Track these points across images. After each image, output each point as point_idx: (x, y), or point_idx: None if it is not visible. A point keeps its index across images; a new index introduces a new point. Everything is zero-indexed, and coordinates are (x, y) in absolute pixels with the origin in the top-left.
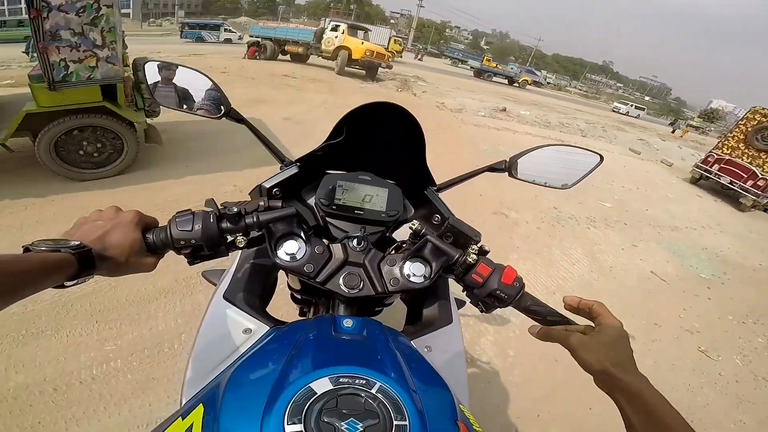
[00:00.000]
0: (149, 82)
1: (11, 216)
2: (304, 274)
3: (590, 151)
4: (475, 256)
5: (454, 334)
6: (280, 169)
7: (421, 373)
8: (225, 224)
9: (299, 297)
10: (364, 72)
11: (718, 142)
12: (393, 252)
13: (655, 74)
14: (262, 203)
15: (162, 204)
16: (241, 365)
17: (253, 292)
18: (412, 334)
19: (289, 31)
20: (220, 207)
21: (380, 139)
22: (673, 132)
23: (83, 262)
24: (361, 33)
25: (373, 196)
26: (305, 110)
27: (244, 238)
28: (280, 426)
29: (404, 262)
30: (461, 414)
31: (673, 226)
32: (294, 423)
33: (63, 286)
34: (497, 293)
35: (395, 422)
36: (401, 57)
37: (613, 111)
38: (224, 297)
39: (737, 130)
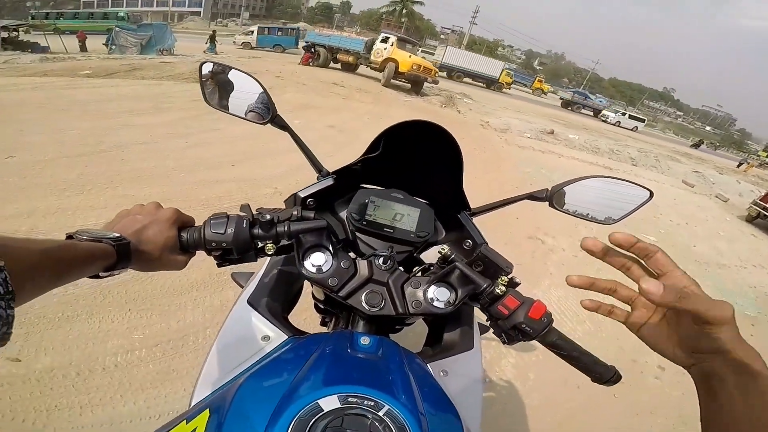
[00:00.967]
0: (202, 82)
1: None
2: (328, 287)
3: (639, 185)
4: (503, 288)
5: (474, 360)
6: (317, 179)
7: (433, 398)
8: (257, 230)
9: (322, 307)
10: (409, 85)
11: None
12: (420, 274)
13: (719, 104)
14: (295, 212)
15: None
16: (253, 374)
17: (277, 299)
18: (430, 356)
19: (342, 39)
20: (254, 213)
21: (418, 158)
22: (739, 166)
23: (122, 254)
24: (409, 46)
25: (404, 215)
26: (349, 119)
27: (274, 246)
28: None
29: (429, 286)
30: None
31: (721, 264)
32: None
33: (98, 276)
34: (522, 326)
35: None
36: (509, 89)
37: (601, 120)
38: (248, 302)
39: None
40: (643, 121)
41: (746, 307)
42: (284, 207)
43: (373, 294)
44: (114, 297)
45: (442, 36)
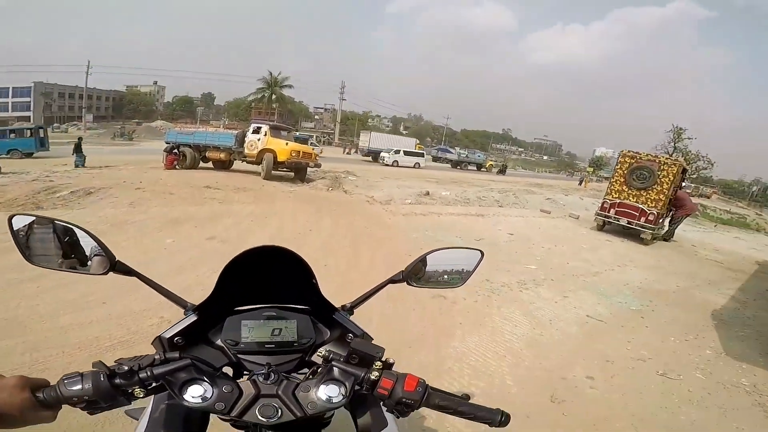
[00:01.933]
0: (18, 239)
1: None
2: (216, 411)
3: (471, 249)
4: (377, 372)
5: None
6: (184, 314)
7: None
8: (118, 380)
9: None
10: (292, 174)
11: (607, 188)
12: (311, 377)
13: (545, 134)
14: (157, 357)
15: None
16: None
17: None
18: None
19: (208, 135)
20: (110, 366)
21: (274, 276)
22: (580, 183)
23: None
24: (284, 133)
25: (282, 329)
26: (231, 225)
27: (143, 390)
28: None
29: (318, 387)
30: None
31: (593, 272)
32: None
33: None
34: (404, 401)
35: None
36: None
37: (381, 164)
38: None
39: (617, 174)
40: (422, 155)
41: (629, 304)
42: (153, 350)
43: (266, 407)
44: None
45: (316, 116)
